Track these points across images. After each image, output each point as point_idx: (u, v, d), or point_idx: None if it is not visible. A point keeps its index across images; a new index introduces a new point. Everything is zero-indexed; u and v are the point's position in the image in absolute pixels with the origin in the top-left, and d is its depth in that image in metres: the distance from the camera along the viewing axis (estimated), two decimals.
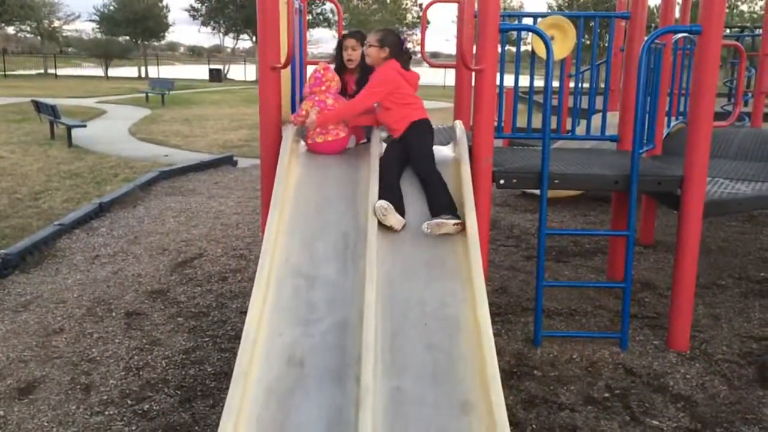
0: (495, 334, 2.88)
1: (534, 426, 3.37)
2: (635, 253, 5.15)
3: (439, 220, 3.37)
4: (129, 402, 3.55)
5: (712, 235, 6.71)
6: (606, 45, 7.97)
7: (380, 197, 3.46)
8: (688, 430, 3.35)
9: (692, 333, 4.30)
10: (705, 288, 5.22)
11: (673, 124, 6.39)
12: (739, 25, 20.22)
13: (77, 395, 3.61)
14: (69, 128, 12.51)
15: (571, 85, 6.84)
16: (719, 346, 4.28)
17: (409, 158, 3.73)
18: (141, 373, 3.86)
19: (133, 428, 3.31)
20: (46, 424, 3.34)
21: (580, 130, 6.03)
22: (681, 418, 3.46)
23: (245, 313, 2.91)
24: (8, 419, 3.37)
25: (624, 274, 4.23)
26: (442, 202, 3.47)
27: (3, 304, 4.82)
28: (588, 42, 16.49)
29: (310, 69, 5.34)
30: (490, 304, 3.01)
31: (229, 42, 53.06)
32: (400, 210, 3.46)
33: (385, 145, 3.92)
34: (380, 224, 3.36)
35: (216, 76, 40.95)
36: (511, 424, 2.51)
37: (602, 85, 6.60)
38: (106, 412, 3.44)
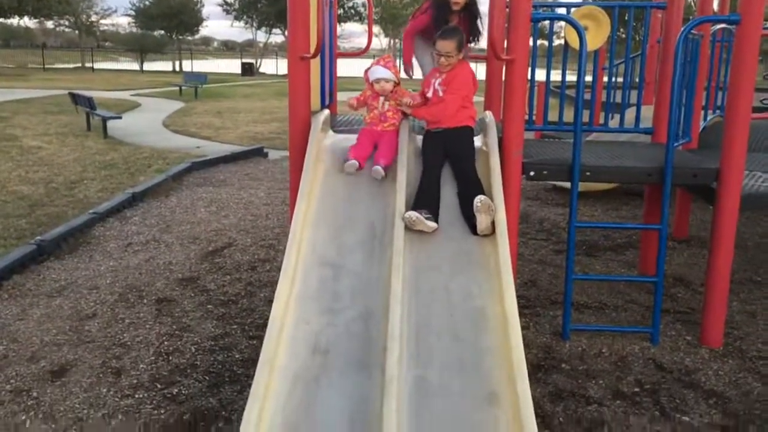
0: (523, 327, 2.86)
1: (561, 419, 3.33)
2: (668, 248, 5.06)
3: (486, 203, 3.29)
4: (158, 386, 3.60)
5: (748, 231, 6.56)
6: (641, 38, 7.81)
7: (417, 200, 3.42)
8: (720, 426, 3.29)
9: (726, 329, 4.20)
10: (740, 284, 5.10)
11: (710, 117, 6.25)
12: None
13: (108, 378, 3.67)
14: (105, 120, 12.73)
15: (605, 79, 6.72)
16: (754, 343, 4.18)
17: (450, 155, 3.69)
18: (170, 358, 3.91)
19: (162, 411, 3.36)
20: (77, 405, 3.40)
21: (614, 123, 5.93)
22: (713, 414, 3.39)
23: (273, 301, 2.92)
24: (41, 401, 3.45)
25: (656, 268, 4.15)
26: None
27: (38, 289, 4.93)
28: (623, 35, 16.20)
29: (339, 62, 5.36)
30: (519, 297, 2.99)
31: (261, 36, 53.45)
32: (435, 214, 3.40)
33: (417, 136, 3.89)
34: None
35: (248, 70, 41.25)
36: (537, 416, 2.48)
37: (637, 79, 6.47)
38: (136, 396, 3.50)
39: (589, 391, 3.59)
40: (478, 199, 3.31)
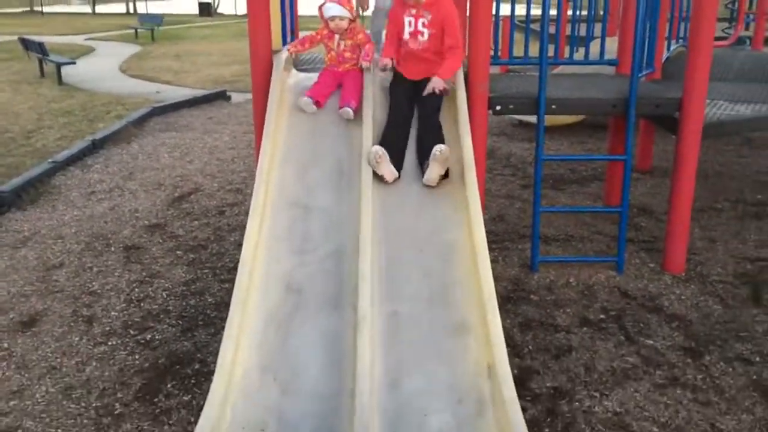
0: (492, 261, 2.89)
1: (530, 347, 3.43)
2: (632, 179, 5.14)
3: (444, 154, 3.11)
4: (131, 332, 3.60)
5: (709, 160, 6.69)
6: None
7: (383, 141, 3.27)
8: (683, 348, 3.42)
9: (688, 256, 4.33)
10: (701, 212, 5.23)
11: (673, 47, 6.27)
12: None
13: (80, 327, 3.65)
14: (59, 66, 12.27)
15: (570, 12, 6.66)
16: (714, 267, 4.32)
17: (419, 101, 3.51)
18: (142, 304, 3.90)
19: (137, 357, 3.37)
20: (50, 354, 3.39)
21: (579, 56, 5.91)
22: (675, 337, 3.52)
23: (243, 243, 2.91)
24: (13, 351, 3.42)
25: (621, 199, 4.22)
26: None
27: (1, 240, 4.83)
28: None
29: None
30: (487, 232, 3.01)
31: None
32: (399, 162, 3.27)
33: (381, 74, 3.80)
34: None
35: (206, 10, 39.81)
36: (507, 346, 2.54)
37: (601, 12, 6.43)
38: (110, 343, 3.50)
39: (557, 320, 3.69)
40: (438, 148, 3.11)
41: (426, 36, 3.48)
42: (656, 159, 6.62)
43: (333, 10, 3.65)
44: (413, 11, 3.49)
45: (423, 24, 3.49)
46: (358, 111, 3.59)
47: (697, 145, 4.06)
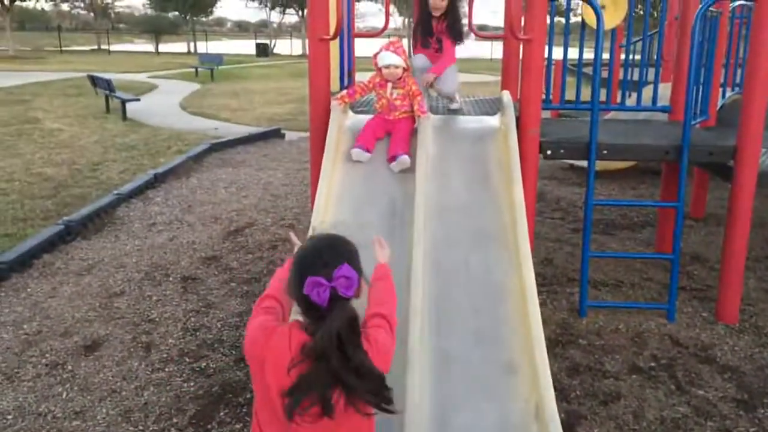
0: (540, 304, 2.92)
1: (578, 392, 3.42)
2: (685, 226, 5.10)
3: None
4: (187, 360, 3.73)
5: (765, 209, 6.55)
6: (659, 14, 7.74)
7: None
8: (735, 400, 3.35)
9: (742, 306, 4.25)
10: (757, 261, 5.13)
11: (728, 95, 6.23)
12: None
13: (139, 353, 3.81)
14: (123, 102, 12.86)
15: (623, 57, 6.71)
16: None
17: None
18: (198, 333, 4.04)
19: (192, 384, 3.49)
20: (111, 378, 3.54)
21: (631, 101, 5.94)
22: (728, 388, 3.46)
23: None
24: (76, 373, 3.59)
25: (673, 246, 4.20)
26: None
27: (67, 267, 5.07)
28: (641, 12, 16.01)
29: (357, 42, 5.40)
30: (536, 275, 3.05)
31: (275, 17, 53.29)
32: None
33: (435, 117, 3.86)
34: None
35: (263, 51, 41.19)
36: (554, 390, 2.56)
37: (654, 57, 6.45)
38: (167, 369, 3.63)
39: (606, 366, 3.67)
40: None
41: None
42: (710, 206, 6.53)
43: (389, 58, 3.76)
44: None
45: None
46: (411, 157, 3.66)
47: (752, 194, 4.02)
